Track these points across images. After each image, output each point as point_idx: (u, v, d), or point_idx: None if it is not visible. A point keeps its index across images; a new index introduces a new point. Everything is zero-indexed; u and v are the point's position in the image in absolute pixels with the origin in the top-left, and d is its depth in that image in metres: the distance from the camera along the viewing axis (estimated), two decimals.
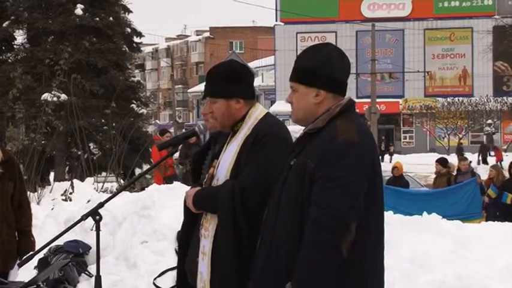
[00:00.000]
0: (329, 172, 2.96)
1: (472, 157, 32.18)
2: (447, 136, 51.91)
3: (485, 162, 37.95)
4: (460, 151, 39.15)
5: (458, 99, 52.02)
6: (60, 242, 6.85)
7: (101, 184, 13.99)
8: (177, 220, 6.66)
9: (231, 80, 3.67)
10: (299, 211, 3.03)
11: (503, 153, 43.58)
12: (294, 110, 3.23)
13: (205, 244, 3.59)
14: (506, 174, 13.97)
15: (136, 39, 22.21)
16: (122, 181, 15.17)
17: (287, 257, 3.02)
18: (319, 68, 3.12)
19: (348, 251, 2.93)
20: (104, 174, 15.56)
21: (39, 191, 12.72)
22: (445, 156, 23.23)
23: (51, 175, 18.52)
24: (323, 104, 3.14)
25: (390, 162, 35.34)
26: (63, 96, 16.48)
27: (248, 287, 3.23)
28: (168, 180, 12.00)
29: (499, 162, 29.96)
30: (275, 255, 3.09)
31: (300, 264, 2.93)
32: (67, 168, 20.18)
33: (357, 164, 2.97)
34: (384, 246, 3.18)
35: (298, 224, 3.02)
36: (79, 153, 17.45)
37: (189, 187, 3.97)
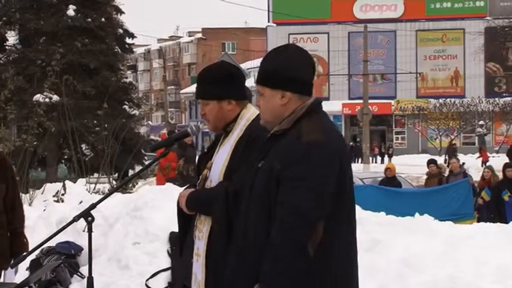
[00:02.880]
0: (294, 172, 2.95)
1: (464, 158, 32.14)
2: (439, 137, 51.99)
3: None
4: (451, 152, 39.17)
5: (450, 101, 52.14)
6: (52, 243, 6.84)
7: (93, 185, 13.96)
8: (169, 221, 6.67)
9: (221, 82, 3.65)
10: (267, 214, 3.01)
11: (495, 154, 43.69)
12: (262, 113, 3.23)
13: (199, 245, 3.59)
14: (499, 175, 14.01)
15: (128, 40, 22.24)
16: (114, 182, 15.13)
17: (258, 260, 2.98)
18: (282, 69, 3.10)
19: (315, 253, 2.90)
20: (96, 175, 15.53)
21: (31, 192, 12.68)
22: (437, 157, 23.26)
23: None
24: (289, 105, 3.12)
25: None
26: (55, 97, 16.48)
27: None
28: (171, 182, 11.94)
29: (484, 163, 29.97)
30: (246, 258, 3.06)
31: (266, 263, 2.91)
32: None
33: (322, 164, 2.95)
34: (356, 249, 3.13)
35: (266, 227, 2.99)
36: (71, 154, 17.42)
37: (183, 188, 3.97)
